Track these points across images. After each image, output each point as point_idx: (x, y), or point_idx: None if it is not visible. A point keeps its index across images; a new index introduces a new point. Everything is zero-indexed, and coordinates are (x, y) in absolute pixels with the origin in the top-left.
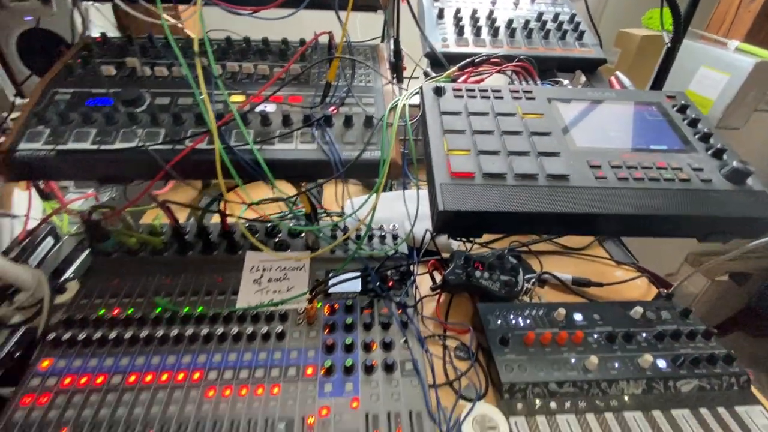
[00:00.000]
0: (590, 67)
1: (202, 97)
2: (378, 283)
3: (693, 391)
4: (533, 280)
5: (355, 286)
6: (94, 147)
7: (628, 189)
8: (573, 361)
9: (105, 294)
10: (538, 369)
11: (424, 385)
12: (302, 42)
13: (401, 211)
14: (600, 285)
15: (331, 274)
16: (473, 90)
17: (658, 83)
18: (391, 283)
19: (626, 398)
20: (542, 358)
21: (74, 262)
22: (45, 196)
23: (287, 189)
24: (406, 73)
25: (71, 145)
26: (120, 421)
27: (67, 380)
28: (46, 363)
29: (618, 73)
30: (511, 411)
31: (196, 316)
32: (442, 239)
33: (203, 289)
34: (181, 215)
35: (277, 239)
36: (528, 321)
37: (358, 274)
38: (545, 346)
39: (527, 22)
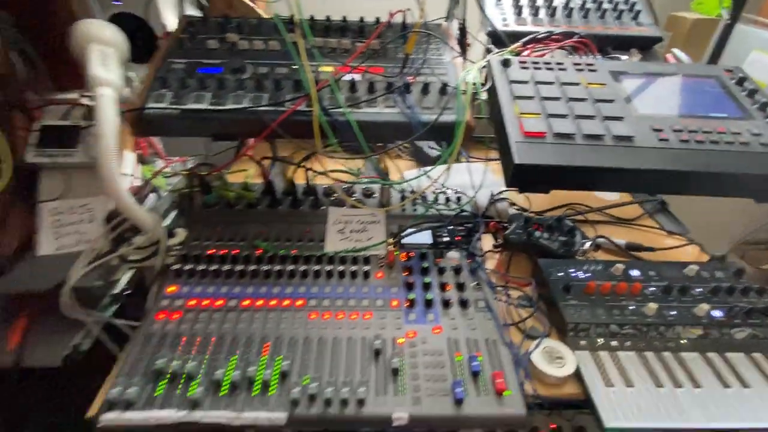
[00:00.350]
0: (646, 45)
1: (303, 65)
2: (447, 237)
3: (747, 339)
4: (589, 242)
5: (426, 238)
6: (211, 107)
7: (690, 150)
8: (632, 307)
9: (211, 238)
10: (599, 312)
11: (496, 318)
12: (377, 21)
13: (459, 182)
14: (652, 250)
15: (408, 226)
16: (538, 62)
17: (713, 60)
18: (458, 238)
19: (683, 342)
20: (602, 305)
21: (174, 213)
22: (143, 161)
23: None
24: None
25: (191, 105)
26: (241, 334)
27: (192, 302)
28: (172, 288)
29: (675, 49)
30: (575, 347)
31: (292, 257)
32: (500, 206)
33: (294, 237)
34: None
35: (353, 198)
36: (587, 274)
37: (433, 225)
38: (605, 294)
39: (584, 2)
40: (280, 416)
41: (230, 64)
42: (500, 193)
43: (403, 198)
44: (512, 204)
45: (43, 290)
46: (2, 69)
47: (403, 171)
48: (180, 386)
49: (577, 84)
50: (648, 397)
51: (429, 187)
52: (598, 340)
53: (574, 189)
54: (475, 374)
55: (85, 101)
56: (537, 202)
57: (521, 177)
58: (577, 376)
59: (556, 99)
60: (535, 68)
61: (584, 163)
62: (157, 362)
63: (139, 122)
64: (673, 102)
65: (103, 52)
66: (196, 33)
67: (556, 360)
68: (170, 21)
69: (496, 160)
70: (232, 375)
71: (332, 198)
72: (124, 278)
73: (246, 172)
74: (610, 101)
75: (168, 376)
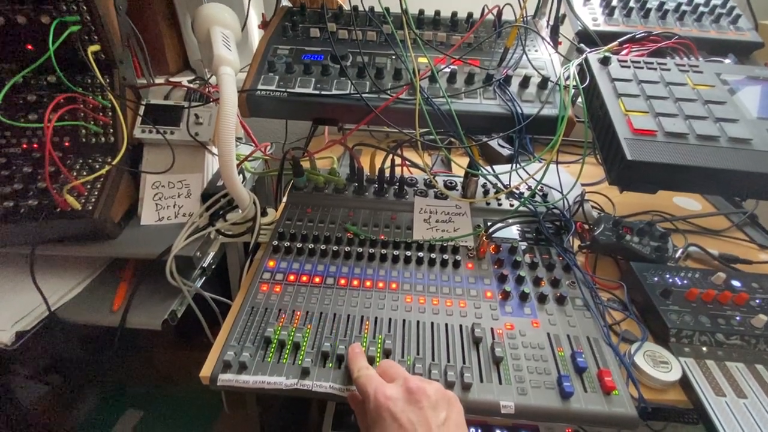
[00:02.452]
0: (745, 51)
1: (407, 55)
2: (534, 233)
3: None
4: (681, 250)
5: (513, 233)
6: (316, 92)
7: None
8: (738, 318)
9: (302, 219)
10: (703, 320)
11: (597, 317)
12: (469, 15)
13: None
14: (749, 262)
15: (497, 220)
16: (639, 62)
17: None
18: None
19: None
20: (706, 312)
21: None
22: None
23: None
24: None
25: (298, 89)
26: (341, 311)
27: (291, 277)
28: (271, 263)
29: None
30: (678, 354)
31: (381, 242)
32: (585, 207)
33: (381, 223)
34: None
35: (435, 189)
36: (685, 281)
37: (528, 219)
38: (707, 302)
39: (679, 5)
40: None
41: (332, 52)
42: (584, 193)
43: (486, 192)
44: (594, 206)
45: (147, 257)
46: (122, 54)
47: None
48: (287, 355)
49: (683, 84)
50: (763, 410)
51: (523, 182)
52: (703, 349)
53: (684, 190)
54: (581, 370)
55: (185, 84)
56: (619, 207)
57: (630, 174)
58: (683, 383)
59: (664, 98)
60: (636, 67)
61: (701, 163)
62: (267, 330)
63: (251, 103)
64: None
65: (224, 34)
66: (296, 22)
67: (660, 364)
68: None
69: (569, 162)
70: (338, 348)
71: (415, 187)
72: (209, 256)
73: (332, 159)
74: (722, 103)
75: (275, 344)
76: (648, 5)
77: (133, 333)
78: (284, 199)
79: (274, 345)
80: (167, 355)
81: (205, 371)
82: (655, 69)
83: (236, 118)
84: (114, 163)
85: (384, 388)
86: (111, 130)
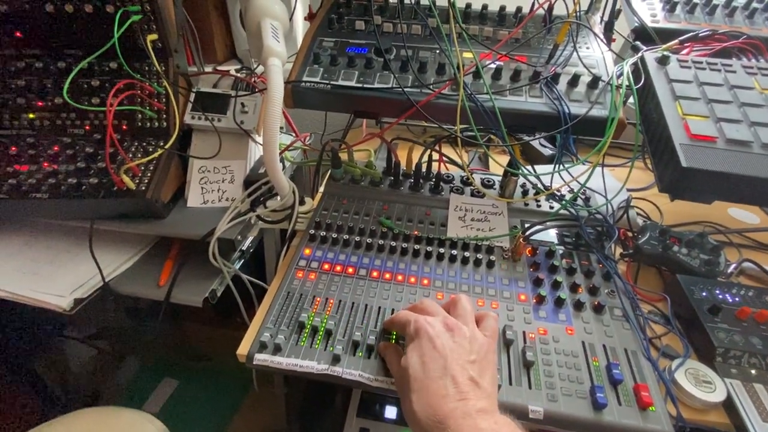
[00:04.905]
0: None
1: (452, 50)
2: (574, 238)
3: None
4: (735, 265)
5: (552, 237)
6: (359, 85)
7: None
8: None
9: (338, 210)
10: (754, 341)
11: (636, 329)
12: (518, 10)
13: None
14: None
15: (536, 222)
16: (701, 62)
17: None
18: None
19: None
20: (758, 333)
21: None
22: None
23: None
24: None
25: (341, 82)
26: (372, 303)
27: (326, 266)
28: (307, 251)
29: None
30: (724, 374)
31: (415, 237)
32: (630, 213)
33: (415, 218)
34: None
35: (472, 187)
36: (736, 299)
37: (569, 223)
38: (761, 323)
39: (749, 2)
40: None
41: (377, 45)
42: (631, 198)
43: (525, 193)
44: (639, 214)
45: (192, 237)
46: (176, 44)
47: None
48: (319, 340)
49: (750, 88)
50: None
51: (565, 185)
52: (752, 372)
53: (744, 202)
54: (616, 382)
55: (232, 73)
56: (667, 216)
57: (684, 182)
58: (727, 405)
59: (727, 102)
60: (698, 68)
61: (765, 174)
62: (301, 315)
63: (296, 94)
64: None
65: (274, 26)
66: (343, 14)
67: (703, 383)
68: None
69: (615, 165)
70: (368, 339)
71: (451, 184)
72: (248, 240)
73: (369, 152)
74: None
75: (309, 329)
76: (714, 1)
77: (174, 308)
78: (321, 190)
79: (307, 330)
80: (203, 332)
81: (242, 350)
82: (719, 71)
83: (281, 108)
84: (167, 147)
85: (425, 317)
86: (164, 116)
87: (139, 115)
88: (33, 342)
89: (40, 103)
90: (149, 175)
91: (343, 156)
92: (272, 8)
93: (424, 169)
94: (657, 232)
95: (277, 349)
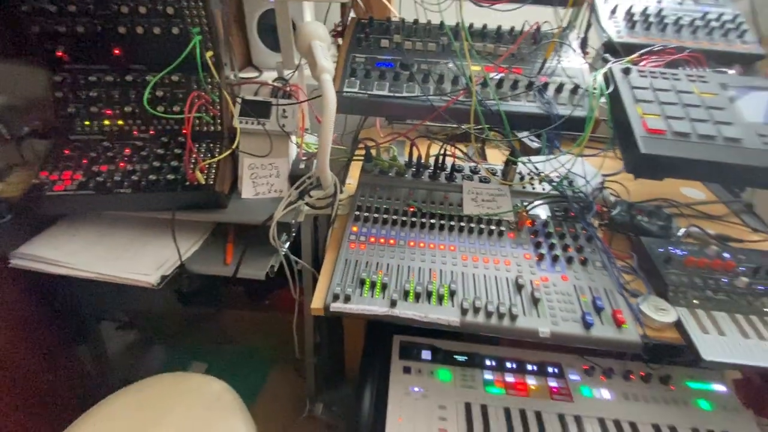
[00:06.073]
0: (749, 62)
1: (465, 65)
2: (563, 212)
3: None
4: (684, 230)
5: (544, 211)
6: (391, 94)
7: None
8: (725, 280)
9: (373, 196)
10: (696, 281)
11: (613, 274)
12: (511, 29)
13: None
14: (740, 241)
15: (532, 200)
16: (655, 72)
17: None
18: (572, 214)
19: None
20: (699, 275)
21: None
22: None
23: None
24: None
25: (376, 92)
26: (414, 265)
27: (372, 239)
28: (355, 228)
29: None
30: (674, 304)
31: (439, 215)
32: (604, 193)
33: (437, 201)
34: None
35: (479, 175)
36: (684, 252)
37: (558, 200)
38: (701, 268)
39: (693, 20)
40: (455, 319)
41: (403, 61)
42: (605, 180)
43: (522, 178)
44: (612, 193)
45: (253, 223)
46: (225, 57)
47: (503, 159)
48: (379, 292)
49: (690, 92)
50: (737, 344)
51: (554, 171)
52: (695, 301)
53: (686, 178)
54: (600, 309)
55: (270, 83)
56: (633, 194)
57: (643, 165)
58: (677, 325)
59: (674, 104)
60: (653, 77)
61: (700, 157)
62: (361, 274)
63: (339, 102)
64: None
65: (322, 47)
66: (368, 33)
67: (660, 311)
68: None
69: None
70: (415, 288)
71: (462, 173)
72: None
73: (392, 148)
74: (721, 109)
75: (368, 284)
76: (665, 20)
77: (214, 291)
78: (349, 181)
79: (367, 285)
80: (230, 315)
81: (317, 303)
82: (668, 79)
83: (334, 114)
84: (233, 147)
85: None
86: (219, 121)
87: (198, 121)
88: (73, 328)
89: (108, 111)
90: (214, 171)
91: (372, 152)
92: (319, 32)
93: (440, 162)
94: (625, 206)
95: (347, 299)
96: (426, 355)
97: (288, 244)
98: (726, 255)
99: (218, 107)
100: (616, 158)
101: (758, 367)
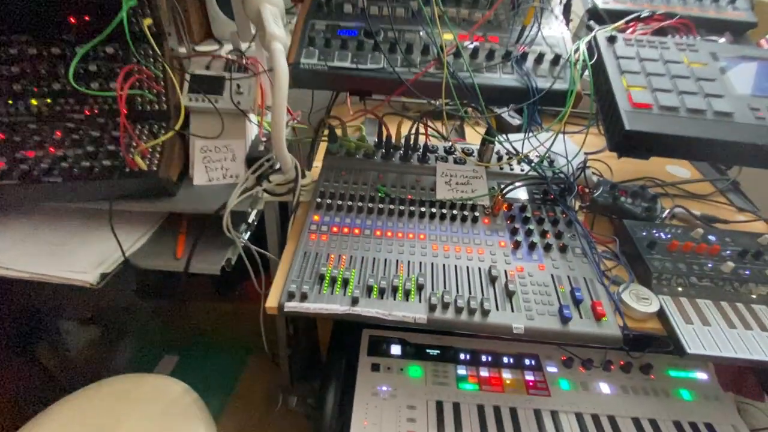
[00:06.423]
0: (740, 30)
1: (436, 32)
2: (542, 195)
3: None
4: (668, 210)
5: (523, 194)
6: (353, 65)
7: None
8: (710, 265)
9: (338, 180)
10: (681, 266)
11: (593, 262)
12: None
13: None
14: (726, 222)
15: (508, 183)
16: (642, 40)
17: None
18: (551, 197)
19: (754, 296)
20: (683, 260)
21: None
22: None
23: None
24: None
25: (337, 63)
26: (379, 256)
27: (335, 229)
28: (316, 217)
29: None
30: (658, 293)
31: (409, 201)
32: (587, 173)
33: (408, 185)
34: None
35: (454, 156)
36: (668, 236)
37: (537, 182)
38: (686, 252)
39: None
40: (422, 316)
41: (366, 28)
42: (587, 160)
43: (499, 158)
44: (594, 173)
45: (205, 212)
46: (169, 27)
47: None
48: (339, 288)
49: (679, 62)
50: (722, 334)
51: (533, 150)
52: (678, 289)
53: (673, 157)
54: (578, 302)
55: (224, 55)
56: (617, 174)
57: (627, 142)
58: (660, 315)
59: (661, 75)
60: (639, 46)
61: (688, 133)
62: (321, 269)
63: (296, 75)
64: None
65: (273, 12)
66: None
67: (642, 300)
68: None
69: (574, 132)
70: (379, 283)
71: (436, 154)
72: (253, 212)
73: (360, 127)
74: (711, 80)
75: (328, 279)
76: None
77: (175, 284)
78: (316, 164)
79: (327, 280)
80: (200, 308)
81: (271, 302)
82: (656, 47)
83: (286, 87)
84: (177, 128)
85: None
86: (164, 98)
87: (139, 99)
88: (30, 326)
89: (35, 89)
90: (158, 156)
91: (337, 132)
92: None
93: (412, 142)
94: (608, 187)
95: (303, 297)
96: (396, 350)
97: (248, 234)
98: (711, 238)
99: (162, 83)
100: (599, 135)
101: (743, 359)
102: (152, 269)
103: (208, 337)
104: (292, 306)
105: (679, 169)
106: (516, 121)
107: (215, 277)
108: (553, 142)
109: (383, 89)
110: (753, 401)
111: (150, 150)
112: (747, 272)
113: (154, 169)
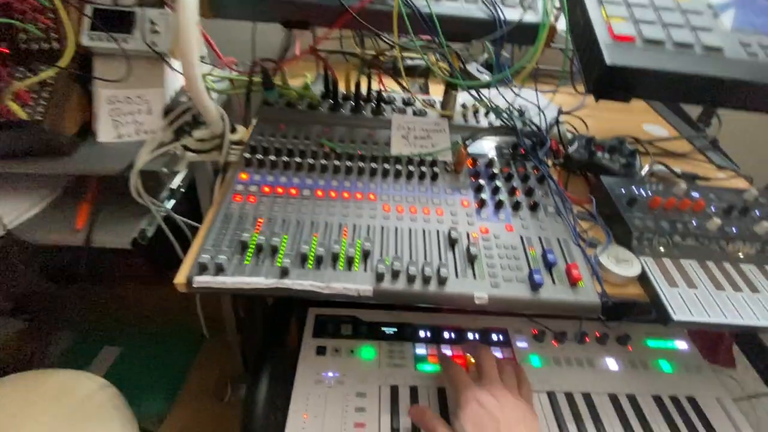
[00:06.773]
0: None
1: None
2: (511, 149)
3: None
4: (648, 167)
5: (491, 149)
6: None
7: None
8: (694, 222)
9: (275, 135)
10: (663, 225)
11: (567, 221)
12: None
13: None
14: (707, 179)
15: (471, 136)
16: None
17: None
18: (522, 151)
19: (741, 255)
20: (666, 218)
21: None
22: None
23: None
24: None
25: None
26: (318, 219)
27: (266, 189)
28: (244, 176)
29: None
30: (639, 254)
31: (359, 156)
32: (561, 129)
33: (358, 140)
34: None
35: (414, 107)
36: (649, 192)
37: (507, 135)
38: (668, 210)
39: None
40: (367, 287)
41: None
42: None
43: (464, 107)
44: (569, 130)
45: (108, 173)
46: None
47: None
48: (265, 258)
49: None
50: (709, 298)
51: (501, 96)
52: (661, 249)
53: (657, 98)
54: (551, 265)
55: None
56: (592, 131)
57: (608, 80)
58: (641, 279)
59: (644, 6)
60: None
61: (676, 68)
62: (243, 235)
63: (211, 2)
64: (760, 21)
65: None
66: None
67: (622, 262)
68: None
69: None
70: (316, 250)
71: (393, 105)
72: (179, 177)
73: (305, 77)
74: (698, 13)
75: (253, 247)
76: None
77: (104, 267)
78: (254, 118)
79: (251, 249)
80: (139, 292)
81: (180, 277)
82: None
83: (197, 17)
84: (62, 65)
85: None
86: (54, 35)
87: (23, 35)
88: None
89: None
90: (44, 103)
91: (277, 81)
92: None
93: (364, 91)
94: (584, 141)
95: (219, 269)
96: (347, 329)
97: (173, 202)
98: (695, 194)
99: (53, 16)
100: (576, 94)
101: (733, 325)
102: (50, 244)
103: (153, 323)
104: (203, 281)
105: (656, 128)
106: (485, 76)
107: (152, 256)
108: (524, 80)
109: (324, 19)
110: (725, 368)
111: (33, 96)
112: (734, 229)
113: (38, 119)
